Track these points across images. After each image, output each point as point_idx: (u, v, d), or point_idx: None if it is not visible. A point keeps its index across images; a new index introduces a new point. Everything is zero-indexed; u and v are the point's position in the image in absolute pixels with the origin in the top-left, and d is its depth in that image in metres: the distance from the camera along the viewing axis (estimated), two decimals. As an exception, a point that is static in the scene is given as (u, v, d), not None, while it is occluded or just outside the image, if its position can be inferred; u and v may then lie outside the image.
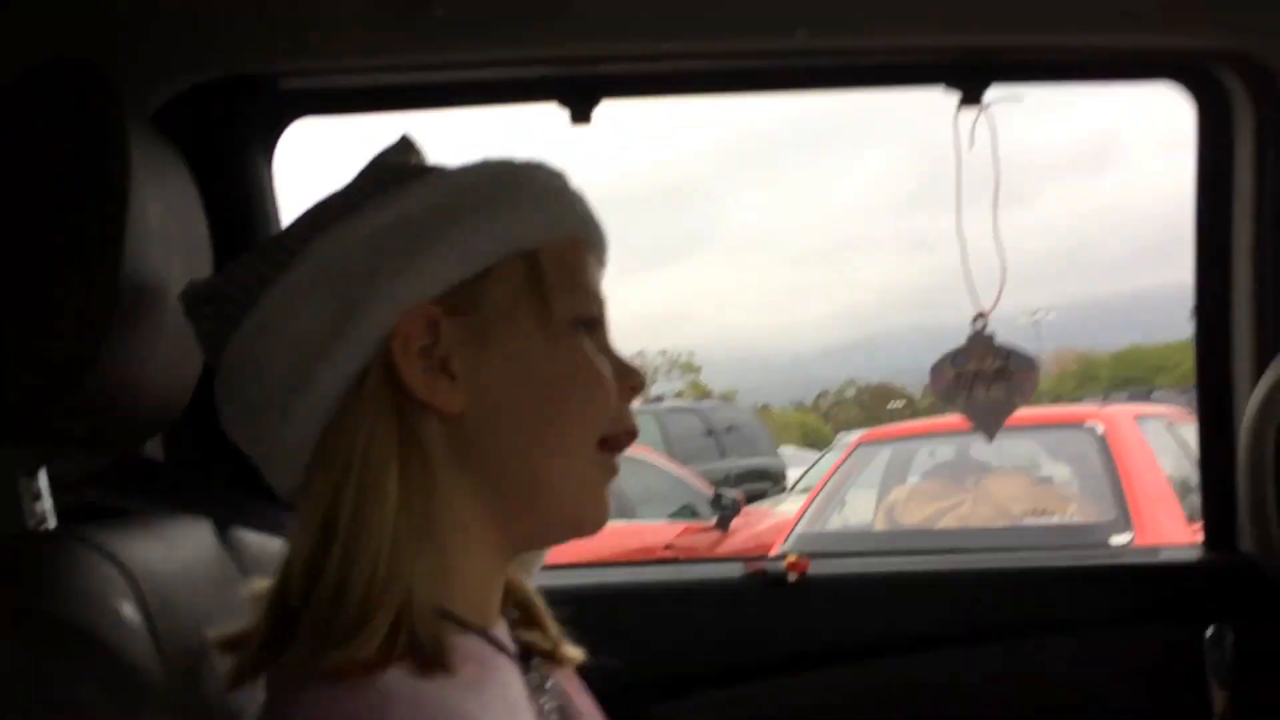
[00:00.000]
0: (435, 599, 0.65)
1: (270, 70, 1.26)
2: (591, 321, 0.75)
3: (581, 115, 1.35)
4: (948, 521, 4.81)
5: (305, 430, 0.68)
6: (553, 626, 0.83)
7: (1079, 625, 1.49)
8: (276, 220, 1.31)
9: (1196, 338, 1.54)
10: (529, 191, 0.74)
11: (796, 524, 5.40)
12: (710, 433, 10.98)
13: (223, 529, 0.91)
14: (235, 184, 1.27)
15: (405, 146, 0.77)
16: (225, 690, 0.67)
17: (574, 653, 0.84)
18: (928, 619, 1.47)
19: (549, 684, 0.79)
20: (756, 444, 11.80)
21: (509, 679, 0.70)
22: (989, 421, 1.43)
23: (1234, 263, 1.48)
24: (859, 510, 5.53)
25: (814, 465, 11.06)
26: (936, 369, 1.45)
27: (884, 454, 5.85)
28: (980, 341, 1.43)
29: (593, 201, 0.79)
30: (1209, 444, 1.53)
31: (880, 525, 5.06)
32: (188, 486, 1.00)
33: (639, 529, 5.88)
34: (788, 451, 16.16)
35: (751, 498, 8.72)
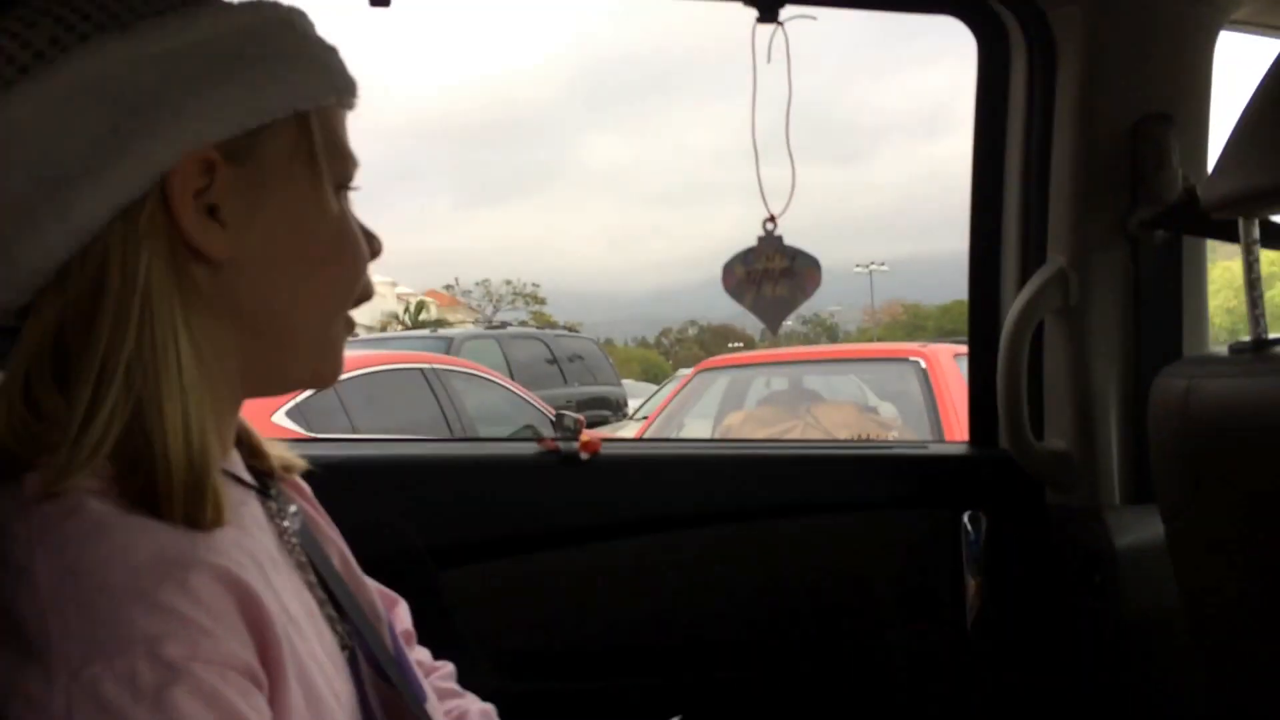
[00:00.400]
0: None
1: None
2: (347, 185, 0.77)
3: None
4: (779, 446, 5.04)
5: (50, 253, 0.65)
6: (271, 447, 0.84)
7: (851, 507, 1.61)
8: None
9: (970, 252, 1.67)
10: (310, 48, 0.74)
11: (634, 444, 5.55)
12: (553, 360, 11.05)
13: None
14: None
15: None
16: None
17: (297, 461, 0.86)
18: (710, 498, 1.56)
19: (291, 508, 0.81)
20: (599, 374, 11.94)
21: (247, 509, 0.72)
22: (773, 315, 1.51)
23: (1005, 185, 1.60)
24: (695, 433, 5.70)
25: (654, 395, 11.28)
26: (728, 267, 1.52)
27: (722, 381, 6.05)
28: (769, 242, 1.51)
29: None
30: (976, 351, 1.66)
31: (713, 448, 5.27)
32: None
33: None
34: (629, 384, 16.37)
35: (593, 423, 8.85)
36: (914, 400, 5.08)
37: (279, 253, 0.72)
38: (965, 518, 1.57)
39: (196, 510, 0.63)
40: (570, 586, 1.49)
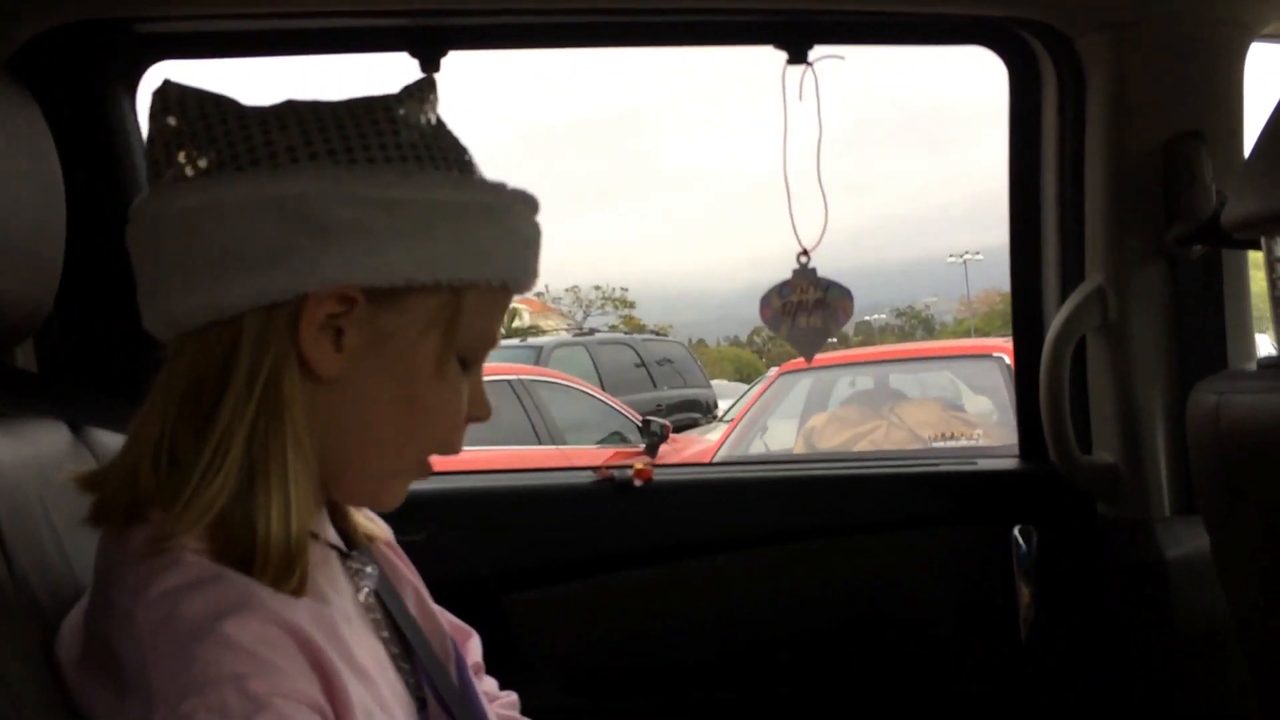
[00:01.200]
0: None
1: (124, 14, 1.33)
2: (477, 360, 0.83)
3: (431, 64, 1.44)
4: (863, 445, 5.01)
5: (191, 316, 0.74)
6: (357, 515, 0.92)
7: (902, 525, 1.65)
8: (136, 158, 1.39)
9: (1011, 271, 1.70)
10: (498, 235, 0.79)
11: (719, 448, 5.59)
12: (642, 364, 11.13)
13: (79, 428, 1.00)
14: (94, 124, 1.35)
15: (422, 91, 0.80)
16: (79, 538, 0.77)
17: (379, 533, 0.95)
18: (761, 521, 1.62)
19: (369, 569, 0.88)
20: (688, 376, 11.97)
21: (327, 569, 0.81)
22: (808, 344, 1.58)
23: (1042, 206, 1.63)
24: (780, 436, 5.72)
25: (743, 395, 11.28)
26: (765, 300, 1.60)
27: (805, 383, 6.04)
28: (803, 275, 1.57)
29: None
30: (1022, 367, 1.69)
31: (799, 449, 5.26)
32: (51, 391, 1.09)
33: (567, 454, 6.03)
34: (720, 384, 16.37)
35: (682, 427, 8.86)
36: (1001, 396, 5.02)
37: (376, 394, 0.78)
38: (1016, 531, 1.60)
39: (283, 581, 0.72)
40: (629, 608, 1.57)
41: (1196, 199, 1.43)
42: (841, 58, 1.47)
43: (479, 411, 0.85)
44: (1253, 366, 1.22)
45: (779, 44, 1.47)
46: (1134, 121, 1.47)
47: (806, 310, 1.53)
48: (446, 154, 0.79)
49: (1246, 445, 1.14)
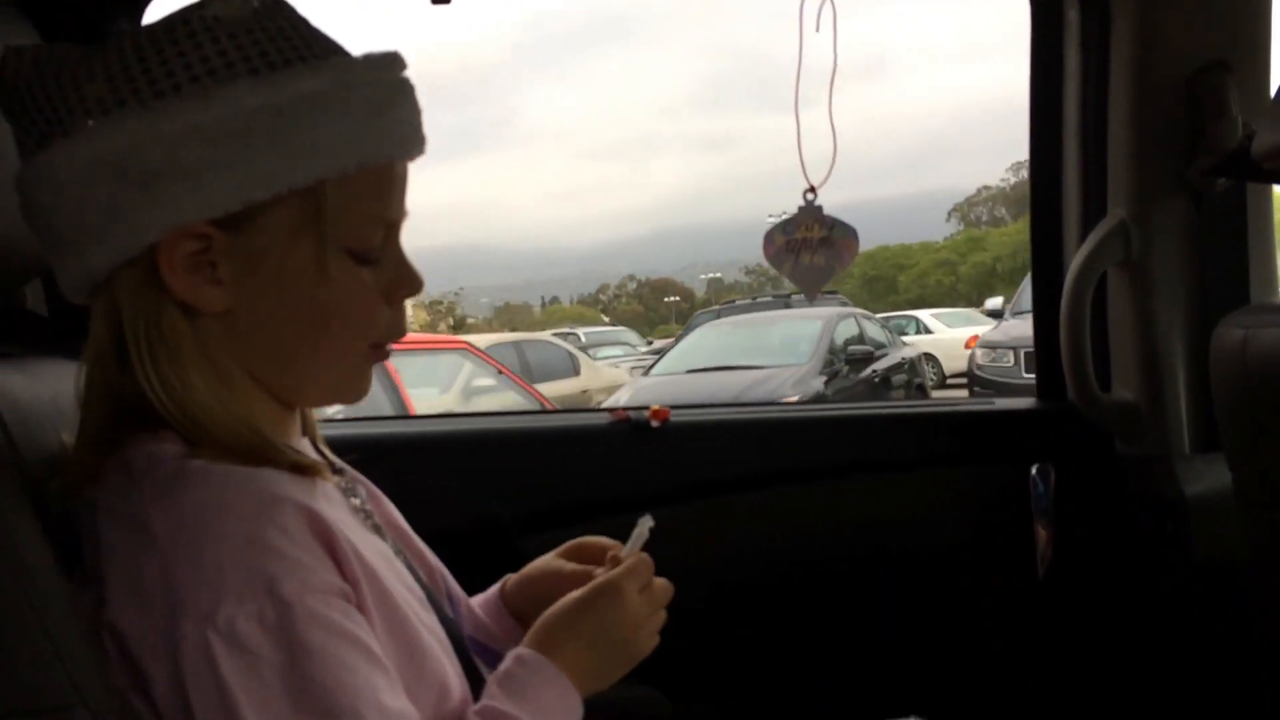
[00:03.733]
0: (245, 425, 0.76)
1: None
2: (370, 248, 0.80)
3: None
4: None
5: (77, 286, 0.77)
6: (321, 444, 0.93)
7: (919, 464, 1.64)
8: None
9: (1031, 207, 1.67)
10: (335, 119, 0.75)
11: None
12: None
13: None
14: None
15: None
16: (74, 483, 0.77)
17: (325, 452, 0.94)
18: (778, 461, 1.61)
19: (357, 487, 0.91)
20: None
21: (323, 483, 0.81)
22: (811, 282, 1.56)
23: (1064, 141, 1.60)
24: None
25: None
26: (768, 236, 1.57)
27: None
28: (808, 212, 1.55)
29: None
30: (1040, 305, 1.67)
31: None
32: (61, 331, 1.08)
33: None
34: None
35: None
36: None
37: (273, 313, 0.78)
38: (1034, 470, 1.59)
39: (276, 460, 0.75)
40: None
41: (1222, 131, 1.40)
42: None
43: (407, 288, 0.83)
44: (1279, 301, 1.21)
45: None
46: (1159, 53, 1.44)
47: (811, 248, 1.51)
48: (264, 48, 0.75)
49: (1272, 379, 1.13)
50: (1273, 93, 1.44)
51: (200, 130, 0.72)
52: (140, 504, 0.71)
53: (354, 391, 0.84)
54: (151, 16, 1.37)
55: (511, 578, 1.06)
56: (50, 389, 0.89)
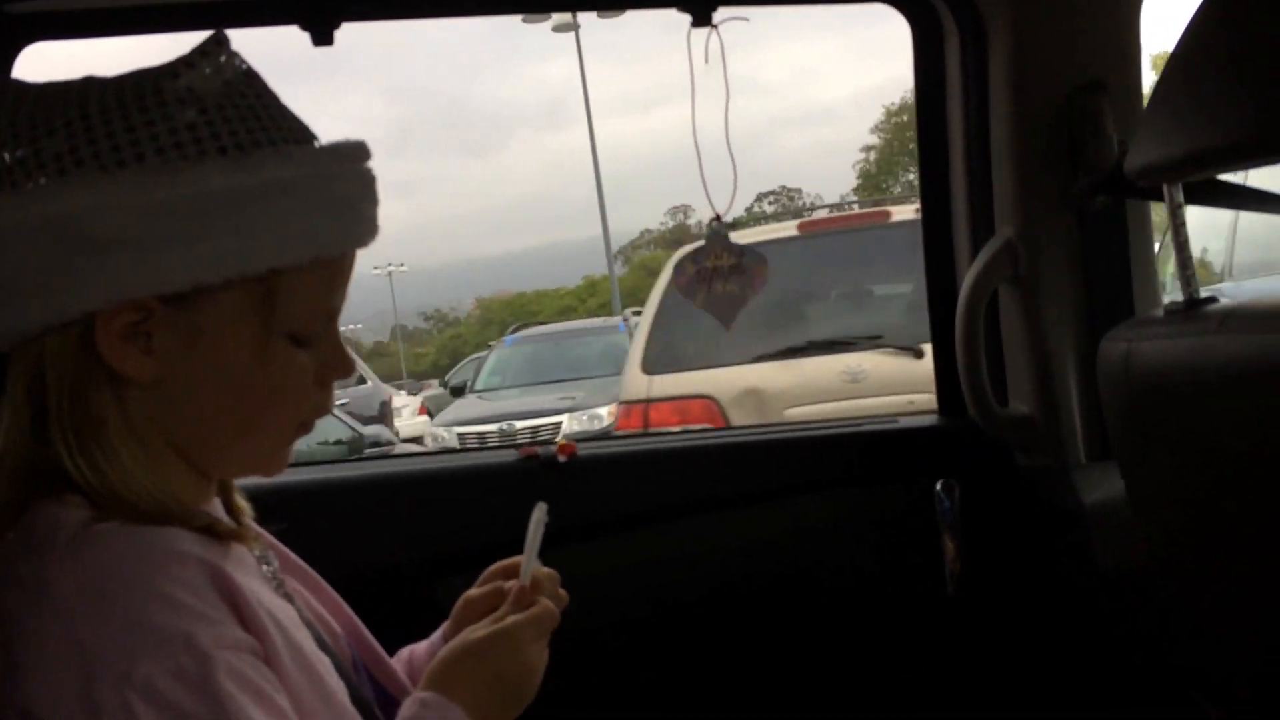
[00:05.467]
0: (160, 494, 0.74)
1: None
2: (312, 334, 0.79)
3: (323, 37, 1.38)
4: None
5: (10, 333, 0.75)
6: (244, 509, 0.91)
7: (825, 486, 1.65)
8: None
9: (923, 228, 1.71)
10: (291, 204, 0.74)
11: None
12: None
13: None
14: None
15: (209, 53, 0.75)
16: None
17: (242, 504, 0.92)
18: (685, 490, 1.61)
19: (269, 554, 0.89)
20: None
21: (236, 548, 0.80)
22: (726, 311, 1.57)
23: (950, 163, 1.64)
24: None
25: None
26: (679, 266, 1.58)
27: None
28: (717, 240, 1.56)
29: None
30: (936, 324, 1.70)
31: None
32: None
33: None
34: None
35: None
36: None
37: (206, 385, 0.77)
38: (939, 486, 1.62)
39: (188, 523, 0.73)
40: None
41: (1099, 149, 1.45)
42: (746, 19, 1.46)
43: (338, 372, 0.83)
44: (1159, 313, 1.25)
45: (683, 7, 1.45)
46: (1036, 74, 1.49)
47: (723, 276, 1.52)
48: (234, 127, 0.74)
49: (1155, 390, 1.16)
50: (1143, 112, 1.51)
51: (160, 205, 0.71)
52: (42, 569, 0.69)
53: (273, 465, 0.84)
54: (21, 72, 1.34)
55: (448, 624, 1.05)
56: None
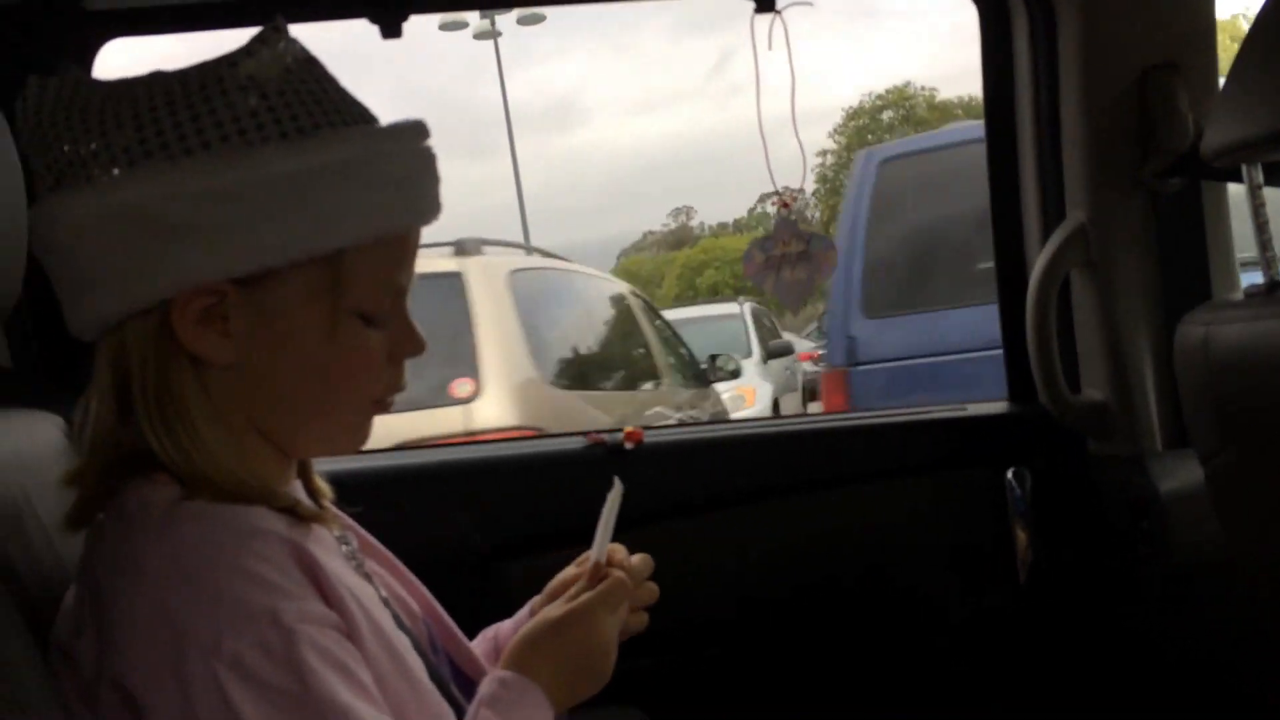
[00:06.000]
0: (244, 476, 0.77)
1: None
2: (380, 312, 0.81)
3: (391, 30, 1.40)
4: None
5: (87, 327, 0.78)
6: (324, 491, 0.93)
7: (894, 474, 1.64)
8: None
9: (993, 214, 1.69)
10: (353, 184, 0.76)
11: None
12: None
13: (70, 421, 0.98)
14: None
15: (269, 41, 0.77)
16: (61, 532, 0.78)
17: (324, 488, 0.95)
18: (752, 478, 1.61)
19: (348, 535, 0.92)
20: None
21: (317, 528, 0.81)
22: (794, 297, 1.57)
23: (1019, 148, 1.62)
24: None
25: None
26: (747, 255, 1.58)
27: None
28: (785, 227, 1.56)
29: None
30: (1006, 311, 1.68)
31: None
32: (37, 388, 1.06)
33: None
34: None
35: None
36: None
37: (281, 365, 0.79)
38: (1010, 474, 1.60)
39: (271, 503, 0.76)
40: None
41: (1173, 131, 1.42)
42: (810, 3, 1.45)
43: (409, 350, 0.84)
44: (1239, 296, 1.22)
45: None
46: (1107, 56, 1.46)
47: (790, 263, 1.51)
48: (294, 111, 0.76)
49: (1236, 375, 1.14)
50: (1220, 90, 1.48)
51: (226, 191, 0.73)
52: (134, 548, 0.71)
53: (352, 443, 0.86)
54: (100, 68, 1.38)
55: (537, 599, 1.07)
56: (14, 442, 0.88)
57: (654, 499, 1.57)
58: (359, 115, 0.80)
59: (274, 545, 0.72)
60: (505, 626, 1.07)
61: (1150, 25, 1.44)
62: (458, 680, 0.94)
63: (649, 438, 1.58)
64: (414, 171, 0.81)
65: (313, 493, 0.91)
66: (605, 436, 1.58)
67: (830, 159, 26.95)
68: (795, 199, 1.56)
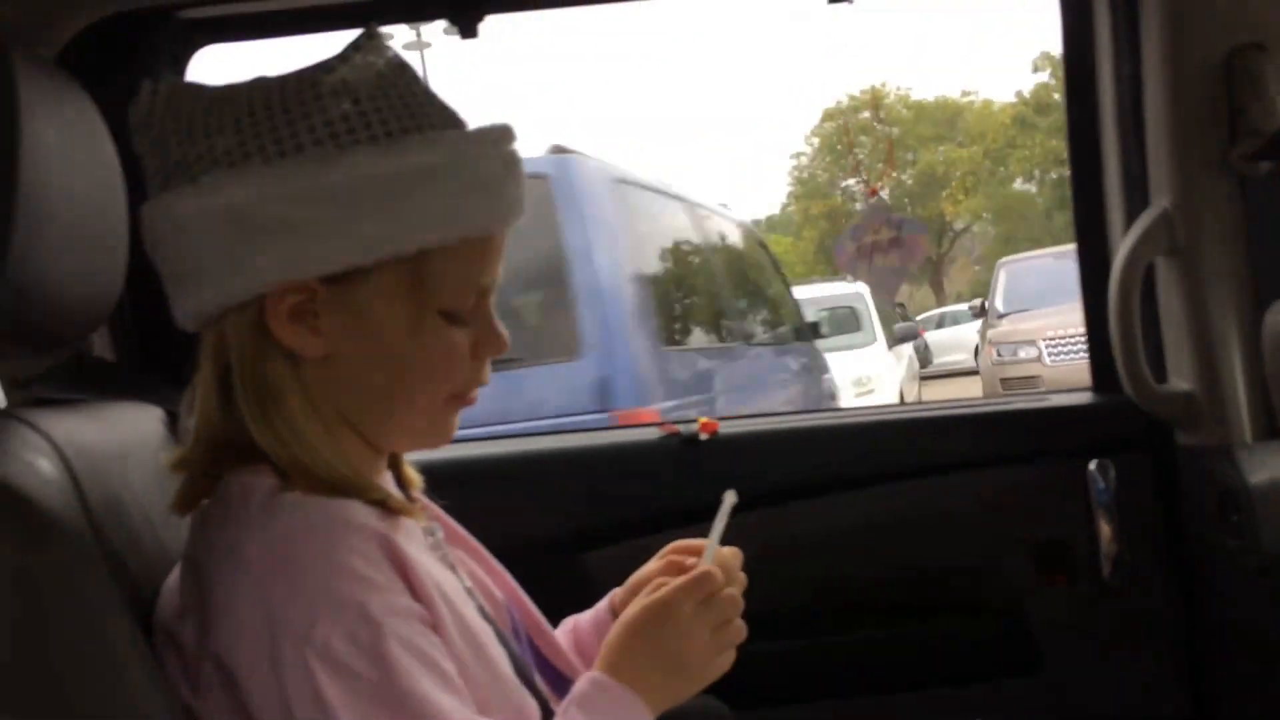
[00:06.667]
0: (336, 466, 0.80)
1: (167, 2, 1.34)
2: (463, 310, 0.84)
3: (469, 30, 1.43)
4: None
5: (189, 320, 0.82)
6: (415, 481, 0.97)
7: (974, 466, 1.63)
8: None
9: (1074, 200, 1.66)
10: (439, 187, 0.79)
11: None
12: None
13: (176, 418, 1.02)
14: None
15: (360, 49, 0.81)
16: (162, 519, 0.83)
17: (414, 476, 0.98)
18: (830, 468, 1.61)
19: (434, 526, 0.94)
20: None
21: (405, 520, 0.85)
22: (888, 285, 1.56)
23: (1101, 132, 1.59)
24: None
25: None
26: (839, 245, 1.58)
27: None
28: (874, 213, 1.55)
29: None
30: (1090, 298, 1.65)
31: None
32: (140, 381, 1.11)
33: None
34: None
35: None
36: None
37: (364, 363, 0.82)
38: (1093, 466, 1.57)
39: (364, 495, 0.79)
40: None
41: (1262, 113, 1.38)
42: None
43: (491, 348, 0.87)
44: None
45: None
46: (1192, 36, 1.42)
47: (882, 250, 1.51)
48: (384, 115, 0.79)
49: None
50: None
51: (317, 192, 0.77)
52: (235, 534, 0.75)
53: (437, 438, 0.89)
54: (194, 73, 1.43)
55: (618, 593, 1.08)
56: (119, 435, 0.92)
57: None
58: (448, 120, 0.83)
59: (366, 539, 0.75)
60: (584, 619, 1.09)
61: (1236, 4, 1.40)
62: (542, 669, 0.95)
63: (724, 429, 1.59)
64: (498, 174, 0.83)
65: (403, 483, 0.94)
66: (680, 427, 1.59)
67: (805, 160, 26.61)
68: (881, 186, 1.55)
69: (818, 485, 1.60)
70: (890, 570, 1.60)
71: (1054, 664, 1.60)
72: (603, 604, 1.08)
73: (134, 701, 0.71)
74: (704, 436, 1.57)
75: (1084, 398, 1.70)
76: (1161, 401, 1.54)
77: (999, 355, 9.24)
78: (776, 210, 28.71)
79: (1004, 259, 12.22)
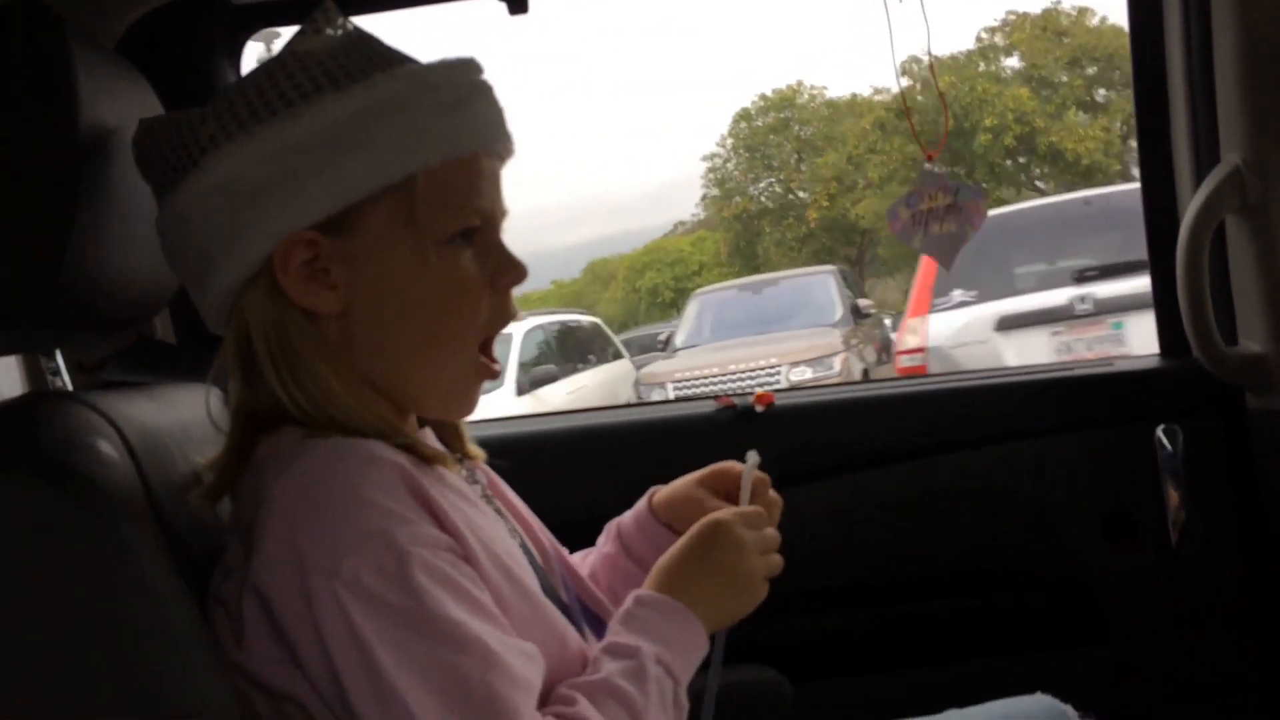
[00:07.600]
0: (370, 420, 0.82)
1: None
2: (470, 232, 0.85)
3: (519, 6, 1.43)
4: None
5: (214, 304, 0.84)
6: (477, 453, 0.98)
7: (1039, 432, 1.60)
8: None
9: (1140, 157, 1.62)
10: (419, 117, 0.81)
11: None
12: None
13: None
14: (203, 97, 1.38)
15: (317, 20, 0.83)
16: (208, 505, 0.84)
17: (477, 450, 1.00)
18: (888, 438, 1.59)
19: (477, 474, 0.96)
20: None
21: (438, 468, 0.86)
22: (945, 252, 1.52)
23: (1169, 87, 1.54)
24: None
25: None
26: (892, 213, 1.54)
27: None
28: (929, 179, 1.50)
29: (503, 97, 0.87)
30: (1156, 259, 1.61)
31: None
32: (201, 362, 1.14)
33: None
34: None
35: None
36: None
37: (382, 309, 0.83)
38: (1160, 431, 1.54)
39: (392, 439, 0.80)
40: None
41: None
42: None
43: (511, 275, 0.87)
44: None
45: None
46: None
47: (938, 217, 1.47)
48: (346, 65, 0.81)
49: None
50: None
51: (294, 144, 0.79)
52: (265, 480, 0.77)
53: (461, 401, 0.90)
54: (248, 58, 1.45)
55: (659, 491, 1.11)
56: (179, 415, 0.94)
57: (787, 462, 1.57)
58: (406, 60, 0.85)
59: (386, 472, 0.76)
60: (625, 518, 1.11)
61: None
62: (591, 623, 0.96)
63: (780, 400, 1.58)
64: (467, 98, 0.84)
65: (464, 457, 0.96)
66: (735, 400, 1.59)
67: (718, 162, 26.06)
68: (937, 152, 1.51)
69: (877, 456, 1.58)
70: (951, 541, 1.58)
71: (1120, 634, 1.57)
72: (642, 502, 1.11)
73: (192, 679, 0.73)
74: (760, 409, 1.57)
75: (1150, 362, 1.66)
76: (1232, 364, 1.49)
77: (639, 396, 8.64)
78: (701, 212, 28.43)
79: (700, 290, 11.97)
